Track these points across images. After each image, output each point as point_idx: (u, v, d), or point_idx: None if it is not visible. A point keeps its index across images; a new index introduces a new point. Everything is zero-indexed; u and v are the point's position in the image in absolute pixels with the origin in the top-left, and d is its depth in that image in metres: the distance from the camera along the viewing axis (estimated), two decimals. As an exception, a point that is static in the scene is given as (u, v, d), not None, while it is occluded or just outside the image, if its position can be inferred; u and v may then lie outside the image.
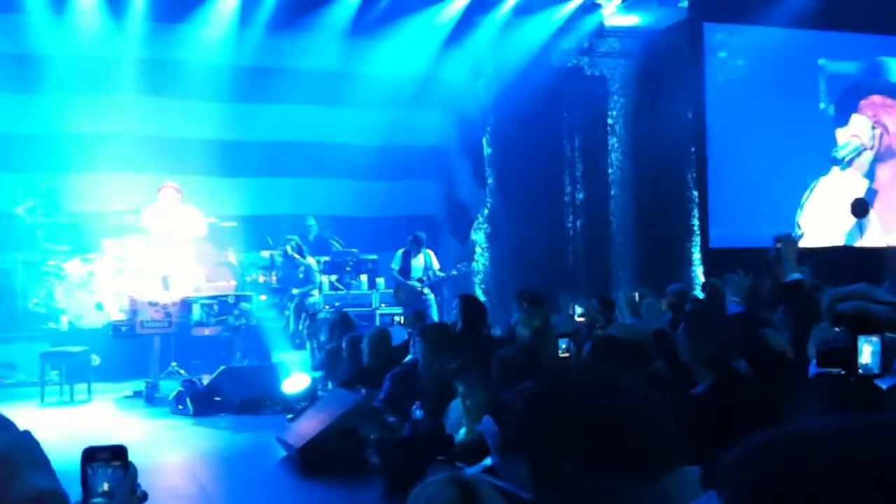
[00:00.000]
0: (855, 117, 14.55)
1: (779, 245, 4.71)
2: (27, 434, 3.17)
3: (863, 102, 14.63)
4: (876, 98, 14.67)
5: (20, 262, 11.88)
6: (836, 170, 14.50)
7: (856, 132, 14.51)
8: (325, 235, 13.06)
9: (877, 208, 14.22)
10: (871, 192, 14.37)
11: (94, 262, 11.52)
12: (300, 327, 10.65)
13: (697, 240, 13.91)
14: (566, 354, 5.85)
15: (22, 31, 12.00)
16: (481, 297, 13.20)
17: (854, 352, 3.21)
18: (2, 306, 11.44)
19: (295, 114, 13.52)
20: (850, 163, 14.45)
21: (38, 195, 12.26)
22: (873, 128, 14.57)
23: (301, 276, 11.76)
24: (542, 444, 2.02)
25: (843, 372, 3.24)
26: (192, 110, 13.03)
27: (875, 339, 3.19)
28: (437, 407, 6.06)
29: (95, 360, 10.30)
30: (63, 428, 8.36)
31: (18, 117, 12.41)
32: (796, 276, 4.83)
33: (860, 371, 3.28)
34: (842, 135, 14.50)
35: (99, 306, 11.31)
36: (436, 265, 11.95)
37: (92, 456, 1.74)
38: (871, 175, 14.56)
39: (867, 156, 14.57)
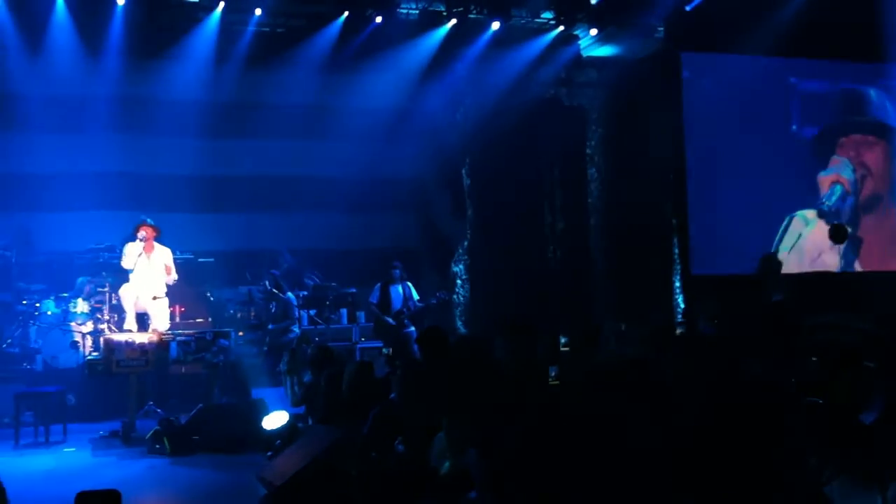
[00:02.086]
0: (836, 160, 14.49)
1: (762, 266, 4.71)
2: None
3: (843, 140, 14.60)
4: (856, 137, 14.65)
5: (-6, 302, 11.70)
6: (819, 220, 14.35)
7: (838, 178, 14.44)
8: (296, 268, 12.94)
9: (861, 259, 14.25)
10: (857, 242, 14.32)
11: (69, 300, 11.35)
12: (281, 364, 10.51)
13: (678, 268, 13.88)
14: (556, 383, 5.81)
15: (-3, 69, 11.95)
16: (462, 329, 13.15)
17: (831, 380, 3.17)
18: (-25, 347, 11.24)
19: (273, 148, 13.50)
20: (835, 210, 14.33)
21: (13, 234, 12.11)
22: (854, 171, 14.54)
23: (273, 310, 11.65)
24: (541, 477, 1.96)
25: (820, 401, 3.20)
26: (168, 147, 12.98)
27: (852, 368, 3.15)
28: (420, 441, 5.96)
29: (71, 400, 10.13)
30: (39, 470, 8.20)
31: (-7, 156, 12.33)
32: (778, 297, 4.83)
33: (837, 400, 3.24)
34: (824, 181, 14.42)
35: (74, 345, 11.13)
36: (415, 296, 11.87)
37: (84, 502, 1.66)
38: (854, 222, 14.38)
39: (850, 202, 14.49)
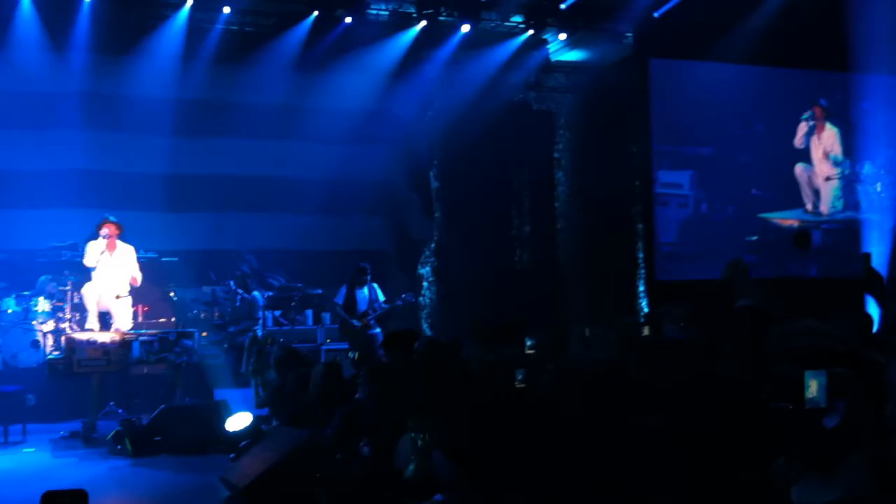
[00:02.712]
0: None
1: (729, 271, 4.74)
2: None
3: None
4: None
5: (-47, 300, 11.48)
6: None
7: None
8: (259, 270, 12.83)
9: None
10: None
11: (30, 299, 11.18)
12: (242, 364, 10.39)
13: (643, 273, 13.97)
14: (522, 386, 5.78)
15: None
16: (427, 332, 13.12)
17: (801, 386, 3.18)
18: (-67, 345, 11.03)
19: (240, 148, 13.39)
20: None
21: (-27, 231, 11.93)
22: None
23: (238, 306, 11.53)
24: (508, 479, 1.94)
25: (790, 406, 3.21)
26: (132, 144, 12.83)
27: (822, 373, 3.17)
28: (386, 443, 5.94)
29: (31, 400, 9.97)
30: (-4, 471, 8.07)
31: (-45, 153, 12.11)
32: (746, 302, 4.85)
33: (807, 405, 3.26)
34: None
35: (35, 344, 10.96)
36: (381, 298, 11.82)
37: (51, 501, 1.63)
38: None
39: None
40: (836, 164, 14.88)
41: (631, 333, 7.51)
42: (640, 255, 13.99)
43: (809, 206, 14.66)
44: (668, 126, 13.89)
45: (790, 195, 14.57)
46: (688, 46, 13.64)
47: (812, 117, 14.74)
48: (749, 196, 14.37)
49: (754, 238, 14.16)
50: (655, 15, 13.24)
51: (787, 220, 14.36)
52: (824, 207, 14.76)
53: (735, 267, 5.63)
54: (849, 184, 14.92)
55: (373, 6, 12.90)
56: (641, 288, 13.94)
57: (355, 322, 11.65)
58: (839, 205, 14.86)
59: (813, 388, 3.30)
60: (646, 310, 13.60)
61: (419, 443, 5.42)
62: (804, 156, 14.73)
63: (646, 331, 7.83)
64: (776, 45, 13.45)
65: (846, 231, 14.77)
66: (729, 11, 13.12)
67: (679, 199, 13.95)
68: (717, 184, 14.19)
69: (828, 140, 14.82)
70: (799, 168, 14.66)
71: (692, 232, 13.96)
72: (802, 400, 3.33)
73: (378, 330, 11.64)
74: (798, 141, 14.69)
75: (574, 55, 14.44)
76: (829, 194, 14.83)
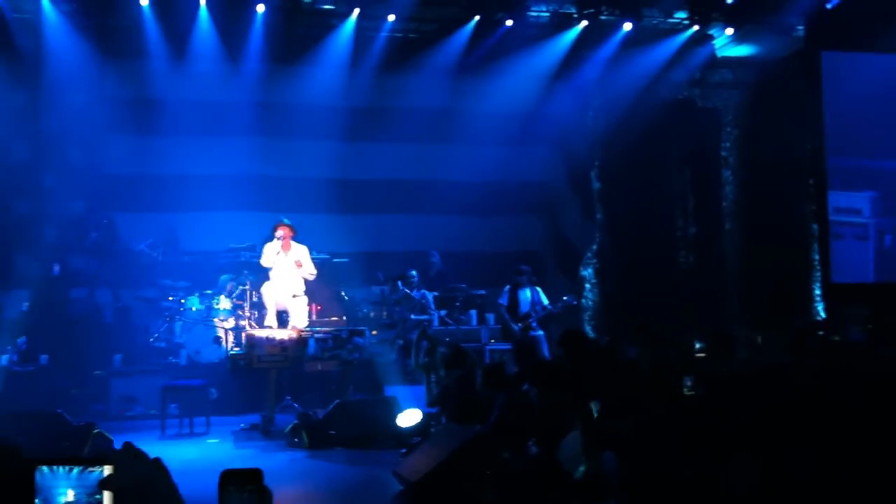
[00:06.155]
0: None
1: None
2: (157, 463, 3.23)
3: None
4: None
5: (141, 299, 12.24)
6: None
7: None
8: (444, 271, 13.05)
9: None
10: None
11: (212, 297, 11.80)
12: (411, 359, 10.59)
13: (818, 275, 13.37)
14: (691, 394, 5.71)
15: (143, 76, 12.51)
16: (591, 334, 13.02)
17: None
18: (123, 341, 11.77)
19: (404, 152, 13.74)
20: None
21: (159, 233, 12.68)
22: None
23: (420, 309, 11.73)
24: (681, 488, 1.94)
25: None
26: (304, 150, 13.35)
27: None
28: (553, 442, 5.98)
29: (213, 394, 10.53)
30: (184, 460, 8.53)
31: (140, 159, 12.96)
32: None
33: None
34: None
35: (217, 341, 11.56)
36: (545, 301, 11.80)
37: (228, 480, 1.77)
38: None
39: None
40: None
41: (807, 336, 7.29)
42: (816, 257, 13.38)
43: None
44: (844, 133, 12.77)
45: None
46: (863, 38, 12.91)
47: None
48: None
49: None
50: (828, 6, 12.66)
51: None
52: None
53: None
54: None
55: (533, 8, 12.91)
56: (817, 291, 13.35)
57: (515, 326, 11.64)
58: None
59: None
60: (822, 314, 13.04)
61: (589, 443, 5.43)
62: None
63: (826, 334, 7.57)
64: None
65: None
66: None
67: (857, 229, 12.35)
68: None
69: None
70: None
71: (874, 274, 12.21)
72: None
73: (541, 332, 11.64)
74: None
75: (741, 50, 14.01)
76: None
